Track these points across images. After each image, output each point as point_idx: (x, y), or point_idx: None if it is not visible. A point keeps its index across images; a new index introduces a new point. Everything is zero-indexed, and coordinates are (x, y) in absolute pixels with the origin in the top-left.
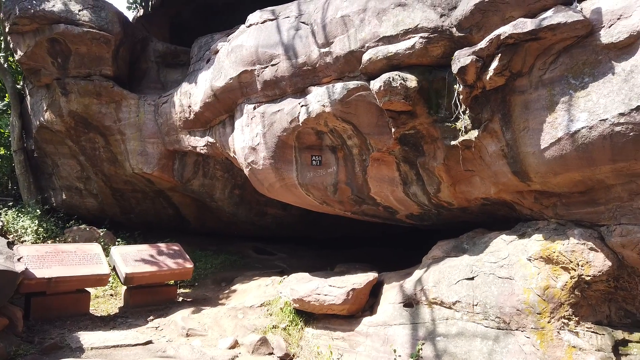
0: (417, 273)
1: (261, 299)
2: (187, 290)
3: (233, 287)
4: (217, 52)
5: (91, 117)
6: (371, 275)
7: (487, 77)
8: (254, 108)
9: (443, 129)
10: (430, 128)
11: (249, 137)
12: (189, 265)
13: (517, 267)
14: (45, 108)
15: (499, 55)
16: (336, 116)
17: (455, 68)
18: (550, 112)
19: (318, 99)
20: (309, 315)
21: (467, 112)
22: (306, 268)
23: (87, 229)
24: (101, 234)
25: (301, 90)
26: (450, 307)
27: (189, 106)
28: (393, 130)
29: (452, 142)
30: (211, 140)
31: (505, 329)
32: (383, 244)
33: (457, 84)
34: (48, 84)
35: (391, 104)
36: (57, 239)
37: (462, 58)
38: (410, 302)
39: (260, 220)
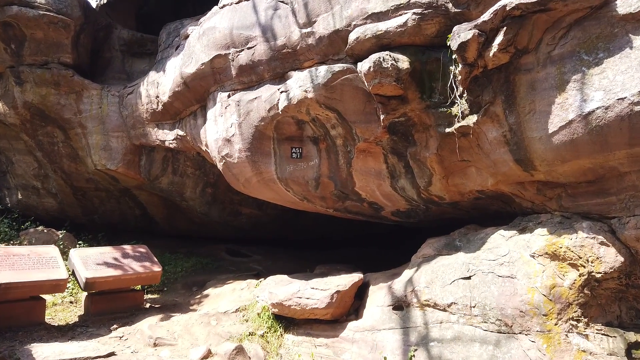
0: (407, 273)
1: (236, 303)
2: (155, 296)
3: (205, 292)
4: (187, 36)
5: (49, 109)
6: (356, 277)
7: (490, 54)
8: (229, 96)
9: (437, 116)
10: (422, 114)
11: (223, 128)
12: (157, 268)
13: (519, 265)
14: None
15: (504, 28)
16: (319, 102)
17: (454, 44)
18: (560, 92)
19: (300, 84)
20: (289, 320)
21: (464, 95)
22: (284, 270)
23: (45, 231)
24: (60, 236)
25: (280, 75)
26: (444, 310)
27: (157, 96)
28: (382, 117)
29: (447, 130)
30: (181, 133)
31: (508, 332)
32: (363, 244)
33: (454, 65)
34: (0, 72)
35: (381, 87)
36: (12, 242)
37: (462, 33)
38: (400, 305)
39: (234, 220)
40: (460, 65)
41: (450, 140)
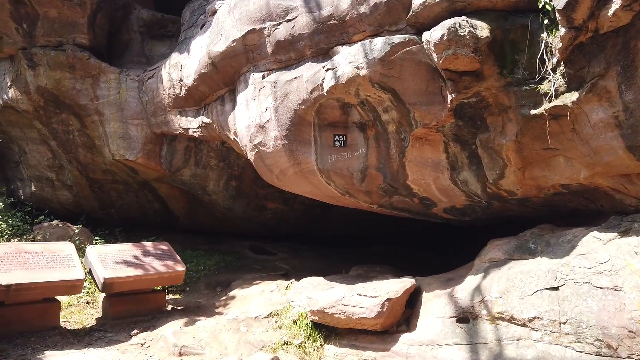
0: (472, 280)
1: (267, 307)
2: (176, 297)
3: (231, 293)
4: (214, 12)
5: (63, 95)
6: (407, 282)
7: (609, 13)
8: (263, 77)
9: (519, 95)
10: (500, 94)
11: (256, 114)
12: (180, 267)
13: (626, 275)
14: (9, 84)
15: None
16: (373, 81)
17: (559, 3)
18: None
19: (350, 59)
20: (329, 329)
21: (561, 68)
22: (313, 270)
23: (60, 225)
24: (76, 231)
25: (324, 51)
26: (524, 325)
27: (180, 80)
28: (450, 98)
29: (532, 112)
30: (206, 120)
31: (611, 355)
32: (391, 242)
33: (546, 32)
34: (12, 54)
35: (455, 59)
36: (25, 237)
37: None
38: (465, 317)
39: (259, 216)
40: (561, 30)
41: (535, 124)
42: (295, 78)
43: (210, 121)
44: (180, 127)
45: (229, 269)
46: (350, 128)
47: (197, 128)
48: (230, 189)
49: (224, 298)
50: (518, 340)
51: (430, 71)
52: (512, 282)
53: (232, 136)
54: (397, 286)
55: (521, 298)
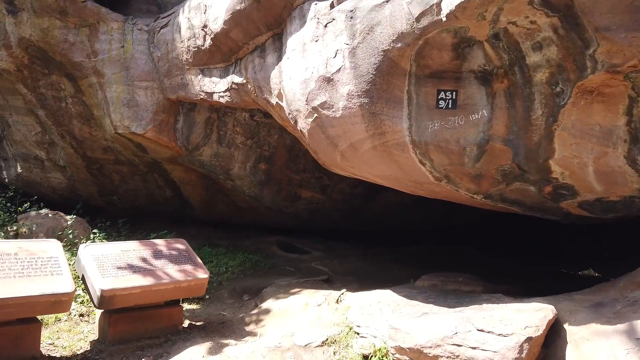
0: None
1: (318, 330)
2: (194, 307)
3: (264, 305)
4: None
5: (53, 49)
6: (546, 309)
7: None
8: (332, 5)
9: None
10: None
11: (320, 61)
12: (203, 274)
13: None
14: None
15: None
16: None
17: None
18: None
19: None
20: None
21: None
22: (357, 274)
23: (50, 214)
24: (70, 222)
25: None
26: None
27: (204, 26)
28: None
29: None
30: (238, 80)
31: None
32: (437, 241)
33: None
34: None
35: None
36: (7, 228)
37: None
38: None
39: (290, 206)
40: None
41: None
42: (386, 1)
43: (244, 81)
44: (202, 91)
45: (257, 271)
46: (464, 80)
47: (224, 92)
48: (258, 174)
49: (255, 312)
50: None
51: None
52: None
53: (273, 100)
54: (534, 317)
55: None
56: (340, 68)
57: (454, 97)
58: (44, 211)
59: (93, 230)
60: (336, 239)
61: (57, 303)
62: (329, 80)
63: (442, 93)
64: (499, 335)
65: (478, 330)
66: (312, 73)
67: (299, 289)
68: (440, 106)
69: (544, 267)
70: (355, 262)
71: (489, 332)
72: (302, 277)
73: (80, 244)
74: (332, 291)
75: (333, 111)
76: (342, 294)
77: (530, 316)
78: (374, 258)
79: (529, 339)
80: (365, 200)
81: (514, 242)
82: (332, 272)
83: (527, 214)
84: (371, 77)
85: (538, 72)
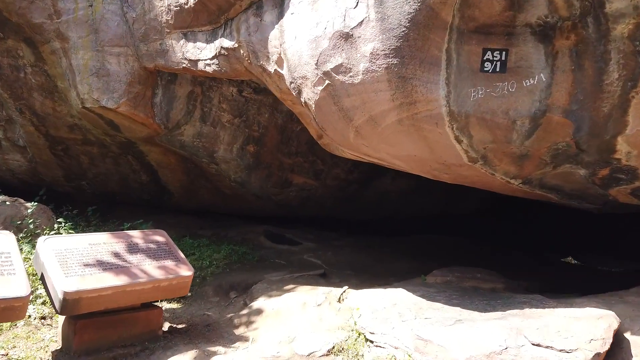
0: None
1: (322, 336)
2: (174, 306)
3: (255, 305)
4: None
5: (8, 8)
6: (612, 318)
7: None
8: None
9: None
10: None
11: (335, 13)
12: (186, 272)
13: None
14: None
15: None
16: None
17: None
18: None
19: None
20: None
21: None
22: (354, 267)
23: (8, 202)
24: (31, 210)
25: None
26: None
27: None
28: None
29: None
30: (228, 44)
31: None
32: (435, 231)
33: None
34: None
35: None
36: None
37: None
38: None
39: (280, 193)
40: None
41: None
42: None
43: (236, 45)
44: (185, 59)
45: (244, 264)
46: (517, 37)
47: (211, 59)
48: (246, 157)
49: (245, 312)
50: None
51: None
52: None
53: (271, 67)
54: (597, 327)
55: None
56: (362, 20)
57: (503, 58)
58: (0, 198)
59: (58, 220)
60: (327, 229)
61: (8, 310)
62: (347, 36)
63: (489, 53)
64: (560, 351)
65: (534, 345)
66: (325, 29)
67: (294, 286)
68: (485, 69)
69: (530, 254)
70: (351, 253)
71: (547, 347)
72: (295, 271)
73: (43, 234)
74: (332, 288)
75: (350, 76)
76: (344, 291)
77: (592, 325)
78: (370, 249)
79: (597, 356)
80: (361, 187)
81: (497, 231)
82: (326, 265)
83: (562, 203)
84: (403, 32)
85: (619, 23)
